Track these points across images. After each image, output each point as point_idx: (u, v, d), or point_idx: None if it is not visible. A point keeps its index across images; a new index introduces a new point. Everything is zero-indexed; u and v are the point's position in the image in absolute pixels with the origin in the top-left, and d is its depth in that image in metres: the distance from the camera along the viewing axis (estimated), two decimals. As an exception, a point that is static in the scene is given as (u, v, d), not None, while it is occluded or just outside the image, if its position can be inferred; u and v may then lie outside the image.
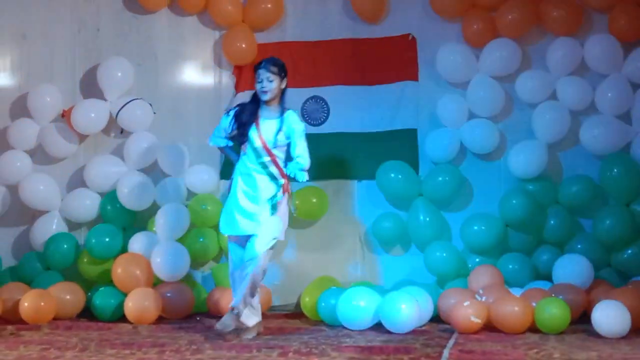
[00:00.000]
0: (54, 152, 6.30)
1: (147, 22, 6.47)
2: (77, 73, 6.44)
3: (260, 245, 4.88)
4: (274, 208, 4.94)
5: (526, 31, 6.02)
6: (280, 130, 4.97)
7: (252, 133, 4.99)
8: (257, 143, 4.98)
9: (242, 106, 5.13)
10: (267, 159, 4.99)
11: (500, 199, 5.88)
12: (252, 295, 4.93)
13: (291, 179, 5.06)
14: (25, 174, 6.20)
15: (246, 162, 5.04)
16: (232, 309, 4.88)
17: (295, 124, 5.02)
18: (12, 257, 6.29)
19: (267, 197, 4.96)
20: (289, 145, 5.08)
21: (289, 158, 5.12)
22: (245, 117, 5.03)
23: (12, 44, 6.47)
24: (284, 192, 5.01)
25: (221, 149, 5.31)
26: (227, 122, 5.14)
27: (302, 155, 5.03)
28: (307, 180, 5.11)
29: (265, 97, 4.98)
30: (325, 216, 6.19)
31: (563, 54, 5.90)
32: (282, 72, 5.00)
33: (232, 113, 5.13)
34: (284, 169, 5.04)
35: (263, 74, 4.95)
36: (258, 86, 4.99)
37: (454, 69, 6.10)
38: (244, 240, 5.00)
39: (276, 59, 5.07)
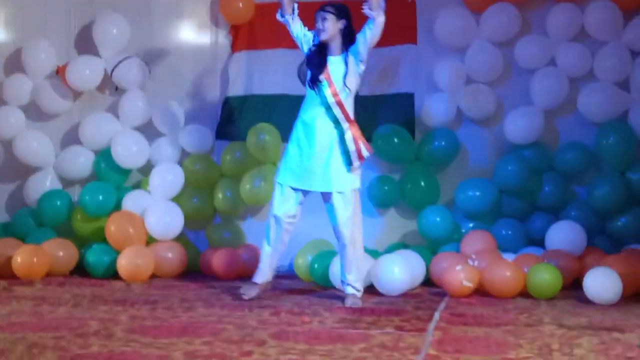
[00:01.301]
0: (48, 109, 6.26)
1: (144, -22, 6.40)
2: (72, 29, 6.38)
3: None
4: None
5: (526, -4, 5.97)
6: (347, 67, 4.83)
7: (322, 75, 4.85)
8: (327, 87, 4.83)
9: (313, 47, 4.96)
10: (331, 100, 4.85)
11: (495, 165, 5.87)
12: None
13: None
14: (19, 130, 6.17)
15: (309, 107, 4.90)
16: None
17: (352, 48, 4.85)
18: (6, 213, 6.30)
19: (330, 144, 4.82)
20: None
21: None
22: (315, 56, 4.90)
23: (6, -1, 6.40)
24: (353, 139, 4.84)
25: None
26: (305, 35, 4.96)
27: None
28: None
29: (321, 37, 4.88)
30: (320, 178, 6.17)
31: (563, 20, 5.85)
32: (340, 12, 4.88)
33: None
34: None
35: (318, 14, 4.88)
36: (316, 27, 4.89)
37: (453, 33, 6.04)
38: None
39: (336, 2, 4.93)
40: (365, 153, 4.88)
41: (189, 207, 6.05)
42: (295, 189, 4.92)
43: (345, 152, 4.85)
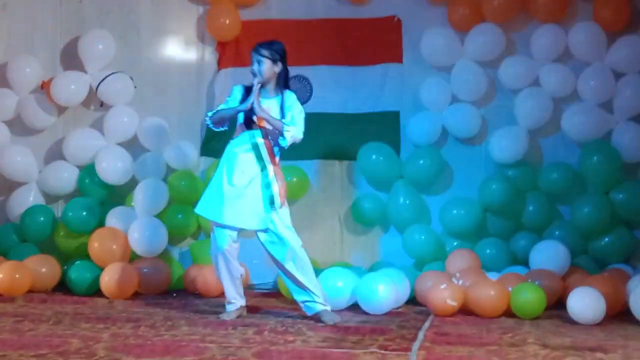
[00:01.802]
0: (33, 124, 6.24)
1: (131, -6, 6.41)
2: (57, 44, 6.37)
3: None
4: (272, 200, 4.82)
5: (511, 17, 6.01)
6: (282, 108, 4.87)
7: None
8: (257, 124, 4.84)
9: (245, 87, 4.97)
10: (260, 140, 4.87)
11: (480, 184, 5.90)
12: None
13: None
14: (3, 145, 6.14)
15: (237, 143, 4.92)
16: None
17: (294, 102, 4.90)
18: (-12, 229, 6.23)
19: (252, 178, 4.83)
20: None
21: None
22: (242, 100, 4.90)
23: (-8, 13, 6.38)
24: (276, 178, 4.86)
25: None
26: (237, 99, 4.94)
27: (293, 122, 4.83)
28: (285, 147, 4.86)
29: (256, 79, 4.87)
30: (306, 196, 6.18)
31: (547, 41, 5.90)
32: (276, 56, 4.89)
33: (238, 90, 4.96)
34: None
35: (254, 56, 4.88)
36: (251, 68, 4.90)
37: (438, 52, 6.08)
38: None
39: (272, 43, 4.94)
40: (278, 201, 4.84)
41: (173, 223, 6.02)
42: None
43: (269, 194, 4.82)
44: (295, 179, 6.11)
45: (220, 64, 6.39)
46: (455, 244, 5.84)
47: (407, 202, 5.96)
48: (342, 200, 6.20)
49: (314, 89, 6.31)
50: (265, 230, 4.84)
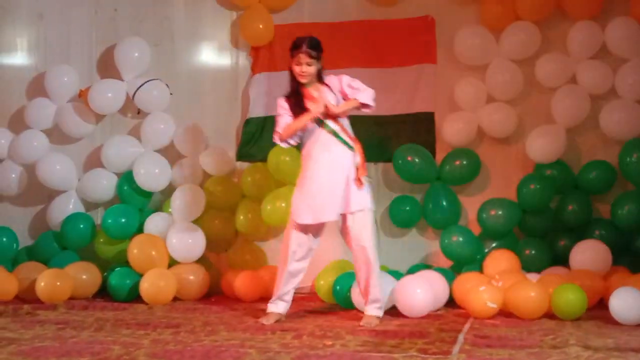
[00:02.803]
0: (71, 132, 6.32)
1: (165, 2, 6.47)
2: (94, 53, 6.45)
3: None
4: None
5: (546, 14, 5.94)
6: (336, 95, 4.91)
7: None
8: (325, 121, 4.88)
9: (287, 99, 4.98)
10: (337, 127, 4.91)
11: (518, 184, 5.84)
12: None
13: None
14: (42, 154, 6.22)
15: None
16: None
17: (345, 79, 4.94)
18: (29, 237, 6.33)
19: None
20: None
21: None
22: (297, 104, 4.92)
23: (29, 23, 6.49)
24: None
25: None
26: (287, 110, 4.96)
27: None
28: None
29: (301, 80, 4.91)
30: (341, 199, 6.16)
31: (583, 38, 5.82)
32: (319, 54, 4.91)
33: (283, 102, 4.97)
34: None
35: (301, 57, 4.87)
36: (297, 69, 4.90)
37: (472, 51, 6.03)
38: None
39: (314, 40, 4.93)
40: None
41: (210, 229, 6.05)
42: None
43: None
44: (331, 182, 6.10)
45: (255, 68, 6.41)
46: (494, 245, 5.80)
47: (444, 203, 5.92)
48: (379, 203, 6.10)
49: (348, 91, 6.28)
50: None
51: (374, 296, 4.91)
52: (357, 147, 4.97)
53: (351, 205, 4.87)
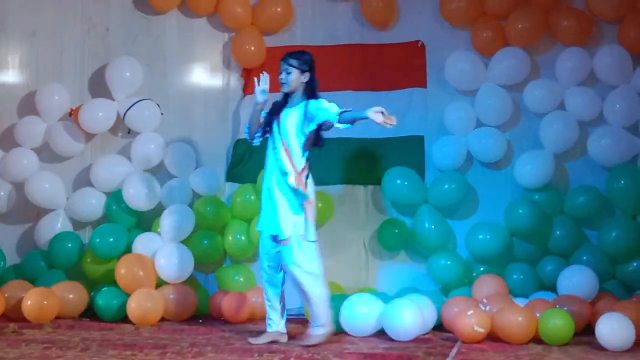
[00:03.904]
0: (61, 151, 6.31)
1: (157, 22, 6.48)
2: (85, 72, 6.45)
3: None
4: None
5: (536, 40, 6.01)
6: (305, 117, 4.85)
7: (275, 122, 4.93)
8: (276, 133, 4.91)
9: (273, 103, 5.04)
10: (281, 149, 4.89)
11: (506, 208, 5.87)
12: None
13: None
14: (31, 172, 6.20)
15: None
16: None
17: (314, 103, 4.85)
18: (17, 255, 6.29)
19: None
20: (315, 133, 4.90)
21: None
22: (273, 109, 4.97)
23: (21, 41, 6.48)
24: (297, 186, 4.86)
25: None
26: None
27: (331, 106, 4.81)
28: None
29: (283, 89, 4.94)
30: (330, 221, 6.17)
31: (572, 64, 5.88)
32: (304, 65, 4.91)
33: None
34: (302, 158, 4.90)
35: (282, 65, 4.92)
36: (278, 77, 4.94)
37: (462, 76, 6.09)
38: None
39: (302, 52, 4.98)
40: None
41: (199, 249, 6.04)
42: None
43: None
44: (319, 204, 6.09)
45: (246, 90, 6.44)
46: (482, 269, 5.81)
47: (433, 227, 5.94)
48: (367, 225, 6.19)
49: (338, 114, 6.32)
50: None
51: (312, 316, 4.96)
52: (293, 176, 4.85)
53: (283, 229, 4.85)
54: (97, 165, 6.23)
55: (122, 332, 5.33)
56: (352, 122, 4.78)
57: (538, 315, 5.03)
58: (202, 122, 6.46)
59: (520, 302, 5.28)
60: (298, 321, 5.76)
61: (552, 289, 5.55)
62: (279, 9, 6.37)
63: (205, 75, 6.53)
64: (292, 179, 4.84)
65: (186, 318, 5.83)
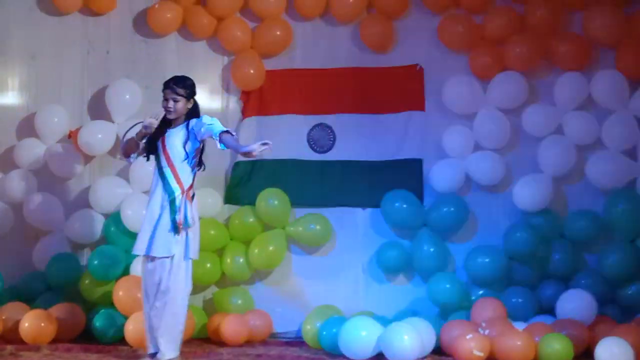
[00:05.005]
0: (60, 172, 6.30)
1: (157, 45, 6.50)
2: (85, 94, 6.45)
3: None
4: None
5: (534, 65, 6.05)
6: (189, 134, 4.96)
7: (159, 144, 5.03)
8: (162, 154, 5.00)
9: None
10: (167, 169, 4.98)
11: (505, 232, 5.88)
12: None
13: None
14: (30, 193, 6.19)
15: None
16: None
17: (196, 120, 4.97)
18: (14, 276, 6.25)
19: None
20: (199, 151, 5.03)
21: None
22: (156, 132, 5.05)
23: (21, 63, 6.49)
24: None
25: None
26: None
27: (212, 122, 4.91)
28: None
29: (170, 116, 5.02)
30: (329, 243, 6.19)
31: (570, 89, 5.93)
32: (190, 93, 5.04)
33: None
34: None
35: (169, 93, 5.00)
36: (163, 104, 5.02)
37: (460, 100, 6.12)
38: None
39: (185, 79, 5.07)
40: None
41: (197, 271, 5.98)
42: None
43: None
44: (318, 227, 6.13)
45: (245, 112, 6.45)
46: (481, 292, 5.81)
47: (432, 249, 5.94)
48: (366, 248, 6.19)
49: (337, 136, 6.35)
50: None
51: None
52: (180, 196, 4.92)
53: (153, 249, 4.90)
54: (96, 187, 6.22)
55: (119, 355, 5.31)
56: (230, 148, 4.90)
57: (537, 339, 5.04)
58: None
59: (519, 325, 5.28)
60: (296, 344, 5.76)
61: (551, 312, 5.55)
62: (278, 33, 6.40)
63: (204, 98, 6.49)
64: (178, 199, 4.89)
65: (184, 341, 5.78)
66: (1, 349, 5.38)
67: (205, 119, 4.93)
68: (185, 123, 5.01)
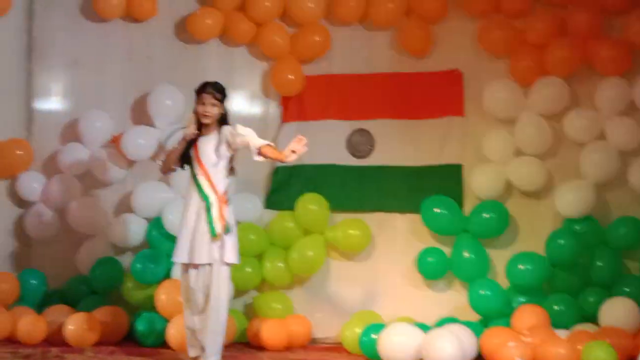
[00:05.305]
0: (103, 177, 6.39)
1: (198, 51, 6.56)
2: (127, 100, 6.53)
3: None
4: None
5: (575, 70, 6.00)
6: (222, 142, 4.98)
7: (192, 151, 5.05)
8: (195, 160, 5.02)
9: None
10: (201, 176, 5.00)
11: (547, 239, 5.84)
12: None
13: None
14: (73, 198, 6.28)
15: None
16: None
17: (230, 129, 5.00)
18: (59, 280, 6.35)
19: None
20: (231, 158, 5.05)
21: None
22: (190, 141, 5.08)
23: (65, 69, 6.60)
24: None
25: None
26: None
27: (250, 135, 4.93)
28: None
29: (205, 121, 5.02)
30: (368, 249, 6.20)
31: (612, 94, 5.86)
32: (224, 98, 5.08)
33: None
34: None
35: (206, 98, 5.00)
36: (200, 109, 5.02)
37: (501, 105, 6.09)
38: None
39: (219, 84, 5.10)
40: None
41: (237, 276, 6.06)
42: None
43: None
44: (357, 232, 6.14)
45: (284, 117, 6.49)
46: (522, 299, 5.77)
47: (472, 256, 5.92)
48: (405, 254, 6.18)
49: (376, 142, 6.36)
50: None
51: None
52: (216, 202, 4.95)
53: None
54: (138, 192, 6.29)
55: (161, 358, 5.37)
56: (271, 160, 4.94)
57: (580, 347, 4.99)
58: (241, 149, 6.49)
59: (562, 333, 5.24)
60: (335, 349, 5.78)
61: (594, 320, 5.50)
62: (317, 38, 6.43)
63: (244, 103, 6.59)
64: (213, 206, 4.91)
65: (225, 345, 5.83)
66: (46, 352, 5.46)
67: (240, 129, 4.95)
68: (217, 130, 5.03)
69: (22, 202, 6.40)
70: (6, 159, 6.30)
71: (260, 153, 4.85)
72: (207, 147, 5.00)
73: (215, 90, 5.02)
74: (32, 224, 6.31)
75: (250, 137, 4.88)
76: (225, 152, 4.98)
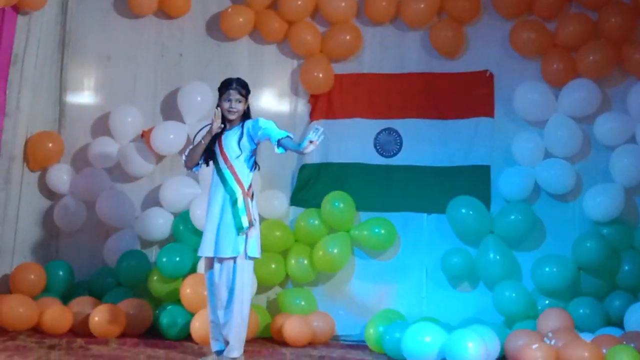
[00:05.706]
0: (132, 171, 6.45)
1: (229, 49, 6.61)
2: (158, 95, 6.60)
3: None
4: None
5: (607, 73, 5.94)
6: (245, 135, 5.00)
7: (216, 147, 5.06)
8: (219, 155, 5.04)
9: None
10: (226, 170, 5.00)
11: (573, 241, 5.78)
12: None
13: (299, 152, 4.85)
14: (102, 191, 6.36)
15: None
16: None
17: (252, 122, 5.01)
18: (85, 271, 6.43)
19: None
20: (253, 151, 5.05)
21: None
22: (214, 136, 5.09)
23: (97, 64, 6.68)
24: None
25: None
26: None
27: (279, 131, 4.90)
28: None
29: (230, 117, 5.04)
30: (393, 248, 6.18)
31: (644, 97, 5.80)
32: (248, 93, 5.09)
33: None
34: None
35: (232, 94, 5.02)
36: (226, 105, 5.03)
37: (531, 107, 6.05)
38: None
39: (242, 80, 5.10)
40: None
41: (261, 271, 6.08)
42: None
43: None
44: (383, 231, 6.13)
45: (313, 115, 6.50)
46: (547, 302, 5.71)
47: (497, 257, 5.87)
48: (430, 254, 6.16)
49: (404, 141, 6.35)
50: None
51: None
52: (242, 196, 4.95)
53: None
54: (166, 186, 6.35)
55: (185, 351, 5.40)
56: (291, 150, 4.90)
57: (605, 351, 4.92)
58: (268, 145, 6.48)
59: (587, 337, 5.17)
60: (358, 347, 5.77)
61: (619, 324, 5.43)
62: (348, 37, 6.44)
63: (273, 101, 6.62)
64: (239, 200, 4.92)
65: (248, 339, 5.85)
66: (71, 342, 5.52)
67: (262, 122, 4.97)
68: (240, 124, 5.06)
69: (51, 194, 6.49)
70: (37, 151, 6.38)
71: (280, 144, 4.84)
72: (231, 141, 5.03)
73: (240, 87, 5.05)
74: (61, 215, 6.39)
75: (271, 130, 4.90)
76: (248, 145, 5.00)
